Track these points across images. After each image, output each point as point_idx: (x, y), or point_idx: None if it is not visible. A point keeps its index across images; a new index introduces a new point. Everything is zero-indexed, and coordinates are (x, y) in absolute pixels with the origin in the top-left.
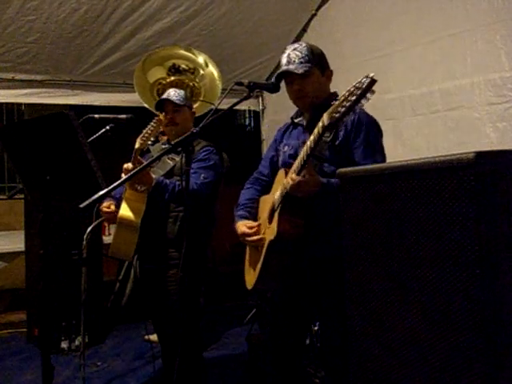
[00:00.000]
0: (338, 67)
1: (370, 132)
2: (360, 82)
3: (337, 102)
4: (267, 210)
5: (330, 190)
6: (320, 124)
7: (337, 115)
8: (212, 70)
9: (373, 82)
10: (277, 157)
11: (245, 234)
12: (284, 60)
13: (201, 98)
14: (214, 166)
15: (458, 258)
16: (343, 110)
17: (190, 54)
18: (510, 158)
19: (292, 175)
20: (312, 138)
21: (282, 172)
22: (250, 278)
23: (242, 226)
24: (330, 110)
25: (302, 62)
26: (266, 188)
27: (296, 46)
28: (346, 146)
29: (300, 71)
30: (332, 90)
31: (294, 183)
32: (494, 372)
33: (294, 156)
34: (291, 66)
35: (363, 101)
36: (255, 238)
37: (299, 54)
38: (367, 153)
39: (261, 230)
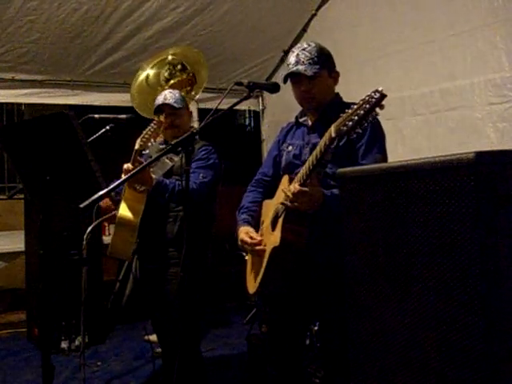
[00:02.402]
0: (337, 67)
1: (374, 134)
2: (370, 95)
3: (345, 115)
4: (270, 215)
5: (333, 203)
6: (327, 136)
7: (344, 128)
8: (183, 51)
9: (383, 96)
10: (280, 157)
11: (245, 243)
12: (292, 60)
13: (193, 93)
14: (212, 165)
15: (458, 258)
16: (351, 124)
17: (161, 60)
18: (510, 158)
19: (295, 185)
20: (319, 149)
21: (286, 178)
22: (252, 283)
23: (244, 234)
24: (338, 122)
25: (310, 64)
26: (270, 190)
27: (305, 46)
28: (349, 146)
29: (310, 73)
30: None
31: (296, 193)
32: (493, 374)
33: (298, 156)
34: (300, 67)
35: (371, 115)
36: (255, 248)
37: (308, 54)
38: (369, 154)
39: (263, 236)
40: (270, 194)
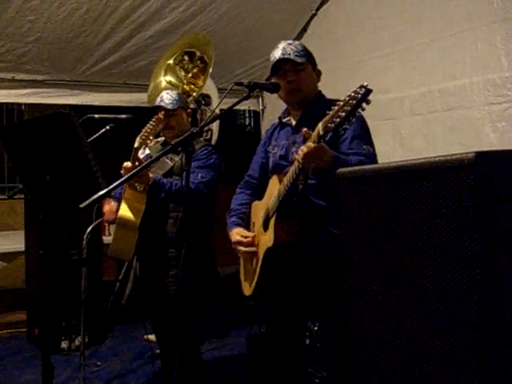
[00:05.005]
0: (337, 67)
1: (359, 127)
2: (355, 91)
3: (331, 112)
4: (261, 216)
5: (342, 163)
6: (315, 134)
7: (332, 125)
8: (180, 45)
9: (368, 92)
10: (266, 159)
11: (239, 243)
12: (279, 53)
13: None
14: (212, 165)
15: (458, 258)
16: (338, 120)
17: (167, 66)
18: (510, 158)
19: (308, 143)
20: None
21: (275, 178)
22: (248, 285)
23: (236, 235)
24: (326, 119)
25: (297, 56)
26: (258, 191)
27: (290, 41)
28: (335, 141)
29: (299, 60)
30: (331, 90)
31: (309, 150)
32: (490, 372)
33: (284, 156)
34: (288, 56)
35: (358, 111)
36: (249, 249)
37: (294, 48)
38: (355, 143)
39: (255, 237)
40: (259, 196)
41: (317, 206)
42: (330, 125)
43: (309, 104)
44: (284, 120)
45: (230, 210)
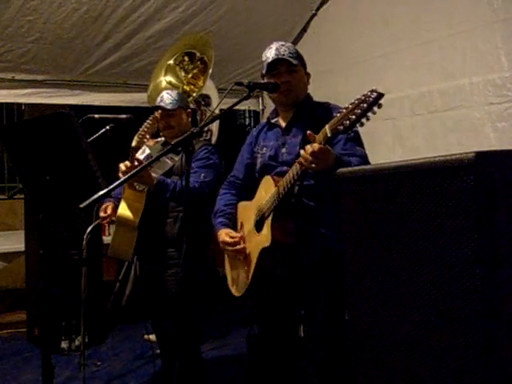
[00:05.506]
0: (337, 67)
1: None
2: (366, 95)
3: (340, 115)
4: (250, 217)
5: (344, 165)
6: (322, 135)
7: (341, 127)
8: (180, 45)
9: (380, 96)
10: (252, 159)
11: (226, 243)
12: (272, 53)
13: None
14: (213, 165)
15: (458, 258)
16: (348, 123)
17: (167, 66)
18: (509, 158)
19: (315, 144)
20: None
21: (268, 179)
22: (238, 286)
23: (224, 235)
24: (334, 121)
25: (291, 57)
26: (243, 192)
27: (282, 43)
28: (327, 142)
29: (294, 62)
30: (330, 89)
31: (316, 151)
32: (490, 371)
33: (274, 157)
34: (284, 57)
35: (369, 114)
36: (237, 247)
37: (287, 49)
38: (349, 145)
39: (245, 238)
40: (244, 196)
41: (308, 207)
42: (339, 127)
43: (299, 106)
44: (273, 121)
45: (216, 210)
